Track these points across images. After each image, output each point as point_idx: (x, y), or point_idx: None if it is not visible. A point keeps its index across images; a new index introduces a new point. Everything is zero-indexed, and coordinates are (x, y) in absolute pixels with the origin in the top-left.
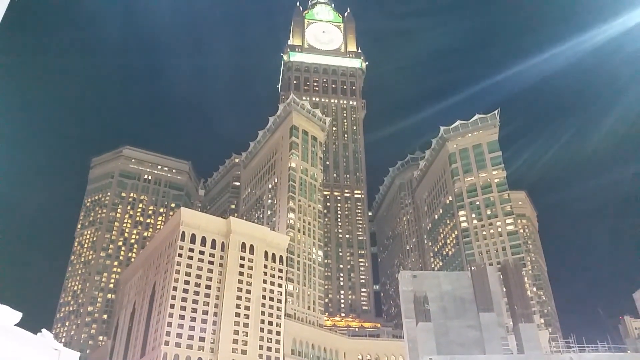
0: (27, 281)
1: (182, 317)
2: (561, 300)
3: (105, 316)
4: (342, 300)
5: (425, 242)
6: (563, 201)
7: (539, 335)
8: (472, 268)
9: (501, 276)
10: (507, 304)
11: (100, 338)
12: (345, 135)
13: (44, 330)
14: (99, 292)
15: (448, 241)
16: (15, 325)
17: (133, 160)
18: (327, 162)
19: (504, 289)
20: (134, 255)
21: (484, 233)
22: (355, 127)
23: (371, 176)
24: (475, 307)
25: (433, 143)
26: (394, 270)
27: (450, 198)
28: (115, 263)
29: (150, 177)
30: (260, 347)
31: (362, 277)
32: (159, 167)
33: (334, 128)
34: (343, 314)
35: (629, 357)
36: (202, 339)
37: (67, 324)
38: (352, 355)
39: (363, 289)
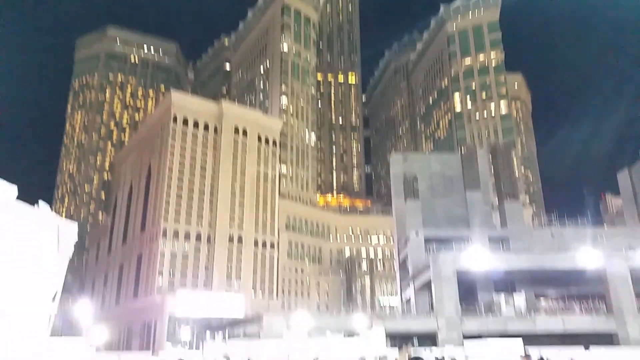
0: (22, 165)
1: (179, 196)
2: (548, 180)
3: (102, 195)
4: (334, 181)
5: (418, 126)
6: (559, 81)
7: (522, 212)
8: (463, 149)
9: (490, 158)
10: (494, 184)
11: (100, 216)
12: (340, 16)
13: (40, 202)
14: (95, 172)
15: (441, 124)
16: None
17: (118, 40)
18: (321, 45)
19: (492, 170)
20: (126, 137)
21: (477, 116)
22: (350, 7)
23: (366, 60)
24: (462, 186)
25: (432, 23)
26: (385, 152)
27: (446, 81)
28: (109, 144)
29: (137, 59)
30: (256, 224)
31: (354, 159)
32: (146, 48)
33: (327, 8)
34: (335, 193)
35: (606, 231)
36: (200, 216)
37: (65, 202)
38: (343, 230)
39: (355, 170)
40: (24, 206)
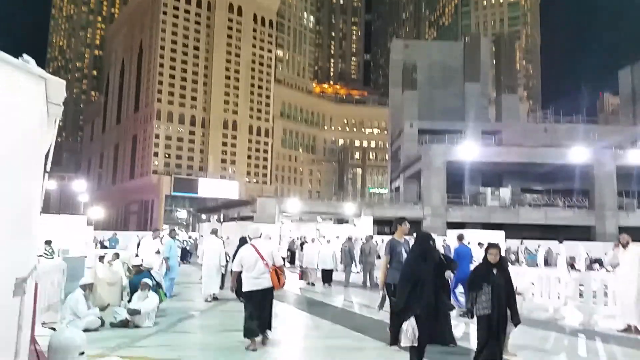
0: (10, 39)
1: (172, 76)
2: (549, 75)
3: (94, 72)
4: (332, 68)
5: (423, 10)
6: None
7: (519, 106)
8: (466, 38)
9: (493, 48)
10: (494, 76)
11: (93, 93)
12: None
13: (25, 55)
14: (85, 48)
15: (446, 10)
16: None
17: None
18: None
19: (494, 62)
20: (117, 11)
21: (485, 3)
22: None
23: None
24: (462, 78)
25: None
26: (386, 39)
27: None
28: (99, 18)
29: None
30: (251, 109)
31: (354, 45)
32: None
33: None
34: (332, 82)
35: (599, 129)
36: (194, 99)
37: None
38: (337, 119)
39: (353, 58)
40: (5, 55)
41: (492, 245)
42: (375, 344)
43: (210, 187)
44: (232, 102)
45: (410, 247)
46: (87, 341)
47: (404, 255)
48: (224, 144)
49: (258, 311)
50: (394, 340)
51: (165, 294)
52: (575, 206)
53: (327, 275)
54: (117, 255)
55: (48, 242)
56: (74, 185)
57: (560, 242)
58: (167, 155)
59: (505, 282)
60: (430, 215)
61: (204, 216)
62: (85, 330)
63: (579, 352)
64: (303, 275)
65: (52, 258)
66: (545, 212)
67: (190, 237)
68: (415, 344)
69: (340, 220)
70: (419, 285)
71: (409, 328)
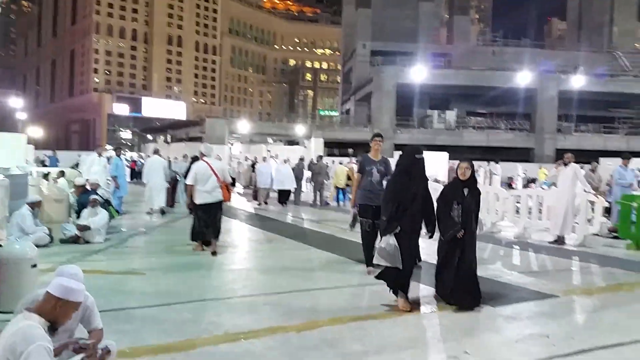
0: None
1: None
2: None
3: None
4: None
5: None
6: None
7: (470, 28)
8: None
9: None
10: None
11: (24, 3)
12: None
13: None
14: None
15: None
16: None
17: None
18: None
19: None
20: None
21: None
22: None
23: None
24: None
25: None
26: None
27: None
28: None
29: None
30: (197, 24)
31: None
32: None
33: None
34: None
35: (545, 53)
36: (135, 11)
37: None
38: (289, 38)
39: None
40: None
41: (463, 160)
42: (330, 256)
43: (155, 107)
44: (176, 16)
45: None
46: (39, 256)
47: (375, 175)
48: (169, 61)
49: (209, 221)
50: (369, 262)
51: (117, 211)
52: (517, 129)
53: (284, 195)
54: (62, 173)
55: None
56: (11, 102)
57: (497, 162)
58: (107, 72)
59: (475, 203)
60: None
61: (150, 137)
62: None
63: (512, 261)
64: (257, 195)
65: None
66: (487, 135)
67: (141, 157)
68: (395, 265)
69: (291, 142)
70: (402, 206)
71: (387, 245)
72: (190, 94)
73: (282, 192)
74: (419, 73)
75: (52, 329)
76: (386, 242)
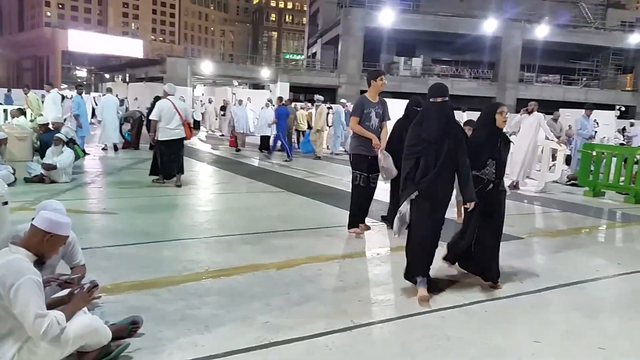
0: None
1: None
2: None
3: None
4: None
5: None
6: None
7: None
8: None
9: None
10: None
11: None
12: None
13: None
14: None
15: None
16: None
17: None
18: None
19: None
20: None
21: None
22: None
23: None
24: None
25: None
26: None
27: None
28: None
29: None
30: None
31: None
32: None
33: None
34: None
35: (511, 2)
36: None
37: None
38: None
39: None
40: None
41: (501, 105)
42: (306, 200)
43: (111, 44)
44: None
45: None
46: (8, 195)
47: (374, 119)
48: None
49: (172, 157)
50: (355, 223)
51: (83, 151)
52: (480, 77)
53: (265, 142)
54: (21, 111)
55: None
56: None
57: (463, 111)
58: (60, 6)
59: (506, 156)
60: (345, 84)
61: (107, 76)
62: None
63: None
64: (236, 141)
65: None
66: (451, 83)
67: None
68: (396, 234)
69: (256, 86)
70: (424, 157)
71: (400, 213)
72: (149, 31)
73: (263, 138)
74: (387, 17)
75: (39, 263)
76: (401, 208)
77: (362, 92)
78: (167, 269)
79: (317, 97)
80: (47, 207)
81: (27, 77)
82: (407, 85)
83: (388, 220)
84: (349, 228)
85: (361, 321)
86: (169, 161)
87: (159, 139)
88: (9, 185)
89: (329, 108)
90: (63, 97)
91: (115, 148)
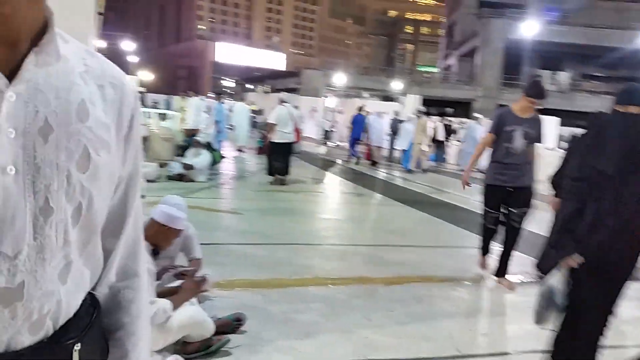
0: None
1: None
2: None
3: None
4: None
5: None
6: None
7: None
8: None
9: None
10: None
11: None
12: None
13: None
14: None
15: None
16: None
17: None
18: None
19: None
20: None
21: None
22: None
23: None
24: None
25: None
26: None
27: None
28: None
29: None
30: None
31: None
32: None
33: None
34: None
35: None
36: None
37: None
38: None
39: None
40: None
41: None
42: (426, 216)
43: (256, 57)
44: None
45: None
46: (147, 190)
47: (518, 140)
48: (269, 10)
49: (281, 158)
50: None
51: (221, 155)
52: None
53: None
54: (170, 115)
55: None
56: (123, 45)
57: None
58: (212, 20)
59: None
60: (481, 97)
61: (250, 86)
62: (146, 180)
63: None
64: (370, 154)
65: None
66: (602, 101)
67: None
68: (540, 323)
69: (386, 98)
70: (596, 201)
71: (551, 290)
72: (289, 44)
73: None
74: (530, 28)
75: (155, 253)
76: (546, 282)
77: (500, 106)
78: (278, 271)
79: (419, 108)
80: (168, 202)
81: (181, 85)
82: (551, 101)
83: (541, 269)
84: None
85: (468, 352)
86: (276, 161)
87: (274, 140)
88: (153, 181)
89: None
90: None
91: (240, 150)
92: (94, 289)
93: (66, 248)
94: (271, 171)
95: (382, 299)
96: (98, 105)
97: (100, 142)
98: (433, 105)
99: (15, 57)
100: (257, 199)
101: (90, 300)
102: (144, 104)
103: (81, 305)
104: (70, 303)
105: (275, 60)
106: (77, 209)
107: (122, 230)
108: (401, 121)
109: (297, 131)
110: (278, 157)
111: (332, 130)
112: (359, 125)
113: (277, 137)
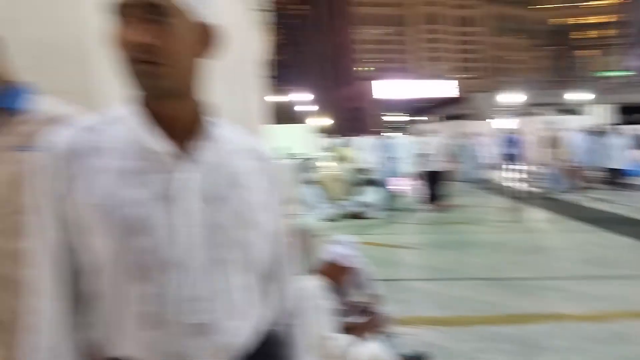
0: None
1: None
2: None
3: None
4: None
5: None
6: None
7: None
8: None
9: None
10: None
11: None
12: None
13: None
14: None
15: None
16: None
17: None
18: None
19: None
20: None
21: None
22: None
23: None
24: None
25: None
26: None
27: None
28: None
29: None
30: None
31: None
32: None
33: None
34: None
35: None
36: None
37: None
38: None
39: None
40: None
41: None
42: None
43: (425, 88)
44: None
45: None
46: (325, 229)
47: None
48: (429, 40)
49: (435, 185)
50: None
51: (391, 190)
52: None
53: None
54: (344, 157)
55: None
56: (296, 97)
57: None
58: (375, 60)
59: None
60: None
61: (422, 118)
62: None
63: None
64: (575, 175)
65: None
66: None
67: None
68: None
69: (565, 111)
70: None
71: None
72: (458, 70)
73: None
74: None
75: (333, 290)
76: None
77: None
78: (461, 307)
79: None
80: (339, 241)
81: (346, 126)
82: None
83: None
84: None
85: None
86: (431, 188)
87: (426, 169)
88: (330, 220)
89: None
90: (378, 142)
91: (407, 183)
92: (259, 326)
93: (234, 290)
94: (430, 199)
95: (577, 336)
96: (252, 175)
97: (258, 205)
98: (627, 113)
99: (186, 137)
100: (432, 232)
101: (257, 335)
102: (322, 147)
103: (248, 339)
104: (239, 337)
105: (447, 88)
106: (242, 258)
107: (278, 275)
108: (602, 134)
109: (451, 159)
110: (433, 185)
111: (511, 154)
112: (510, 145)
113: (430, 166)
